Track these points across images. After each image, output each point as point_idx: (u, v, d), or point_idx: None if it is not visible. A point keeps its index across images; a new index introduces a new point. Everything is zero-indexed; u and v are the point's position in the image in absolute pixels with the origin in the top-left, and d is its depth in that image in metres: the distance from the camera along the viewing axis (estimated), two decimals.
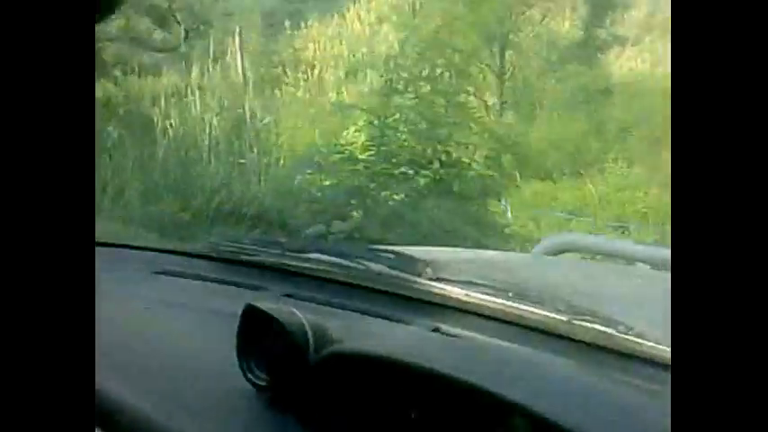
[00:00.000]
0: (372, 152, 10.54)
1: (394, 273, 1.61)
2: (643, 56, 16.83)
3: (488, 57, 15.88)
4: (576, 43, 16.74)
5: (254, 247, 1.94)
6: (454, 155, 11.32)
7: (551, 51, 16.42)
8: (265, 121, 15.43)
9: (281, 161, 11.70)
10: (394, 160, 10.76)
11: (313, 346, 1.07)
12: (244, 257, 1.89)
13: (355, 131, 14.08)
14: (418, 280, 1.56)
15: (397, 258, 1.68)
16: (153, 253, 2.11)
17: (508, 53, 16.02)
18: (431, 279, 1.55)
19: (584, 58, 15.88)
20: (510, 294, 1.40)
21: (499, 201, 11.88)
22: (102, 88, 15.33)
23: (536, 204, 12.57)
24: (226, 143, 11.92)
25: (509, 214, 11.78)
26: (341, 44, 18.53)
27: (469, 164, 11.65)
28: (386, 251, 1.76)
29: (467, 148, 11.88)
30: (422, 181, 10.70)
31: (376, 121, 14.04)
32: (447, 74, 16.58)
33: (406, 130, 11.16)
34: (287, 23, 19.06)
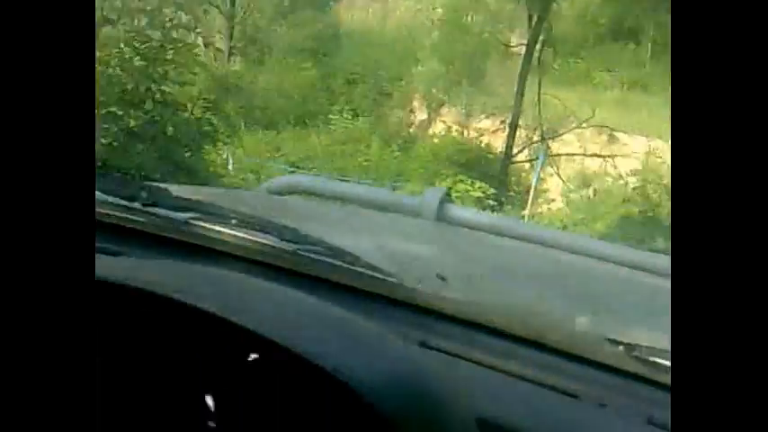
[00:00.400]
0: None
1: (105, 197, 1.43)
2: (374, 6, 16.80)
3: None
4: None
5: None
6: (170, 96, 10.76)
7: None
8: None
9: None
10: (102, 98, 9.89)
11: None
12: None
13: None
14: (132, 204, 1.42)
15: (107, 180, 1.53)
16: None
17: None
18: (145, 204, 1.42)
19: (318, 6, 15.56)
20: (239, 224, 1.35)
21: (215, 147, 11.28)
22: None
23: (259, 154, 12.19)
24: None
25: (230, 165, 11.36)
26: None
27: (186, 107, 11.08)
28: (100, 174, 1.47)
29: (183, 88, 11.30)
30: (132, 122, 10.05)
31: None
32: (168, 9, 15.82)
33: (116, 64, 10.40)
34: None
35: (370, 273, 1.21)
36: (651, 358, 1.04)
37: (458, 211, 1.73)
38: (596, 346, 1.07)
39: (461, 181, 11.13)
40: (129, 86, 10.24)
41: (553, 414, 0.99)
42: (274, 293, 1.01)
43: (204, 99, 12.79)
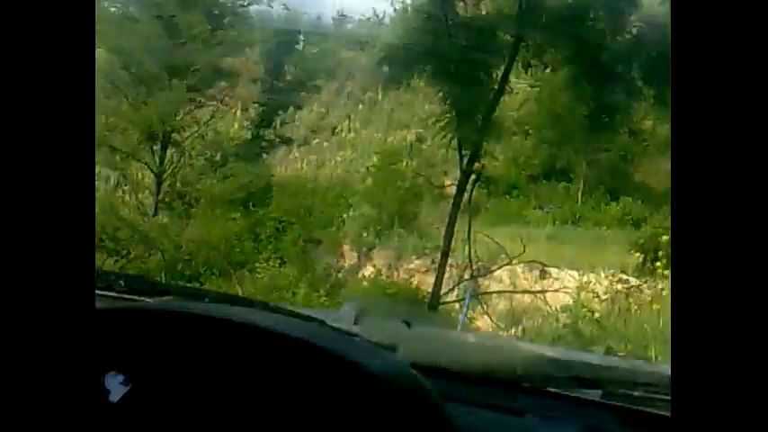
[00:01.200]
0: None
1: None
2: (309, 157, 16.69)
3: (147, 155, 15.04)
4: (242, 143, 16.30)
5: None
6: None
7: (216, 150, 15.83)
8: None
9: None
10: None
11: None
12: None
13: None
14: (109, 294, 1.50)
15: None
16: None
17: (170, 152, 15.23)
18: (122, 291, 1.53)
19: (250, 158, 15.40)
20: None
21: None
22: None
23: None
24: None
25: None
26: None
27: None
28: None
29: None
30: None
31: None
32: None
33: None
34: None
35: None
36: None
37: (370, 320, 1.77)
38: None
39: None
40: None
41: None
42: None
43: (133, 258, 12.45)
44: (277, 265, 12.91)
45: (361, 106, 17.67)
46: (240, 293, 12.03)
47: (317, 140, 17.23)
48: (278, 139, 16.88)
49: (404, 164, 14.90)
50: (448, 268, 12.32)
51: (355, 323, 1.71)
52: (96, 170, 15.82)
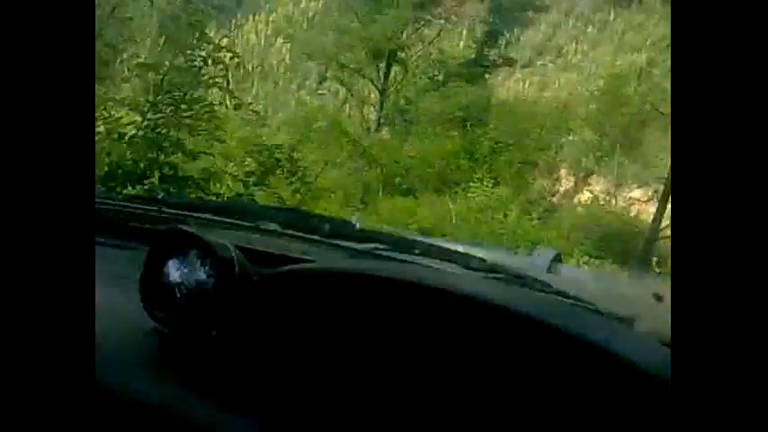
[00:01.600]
0: None
1: (287, 231, 1.57)
2: (532, 79, 16.19)
3: (373, 72, 15.23)
4: (465, 63, 16.04)
5: (128, 204, 1.83)
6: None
7: (439, 70, 15.72)
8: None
9: None
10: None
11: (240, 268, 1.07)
12: (112, 217, 1.73)
13: None
14: (312, 237, 1.52)
15: (290, 215, 1.70)
16: None
17: (394, 69, 15.34)
18: (326, 236, 1.52)
19: (471, 78, 15.17)
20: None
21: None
22: None
23: (393, 220, 11.74)
24: None
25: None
26: (232, 57, 17.68)
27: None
28: (278, 208, 1.93)
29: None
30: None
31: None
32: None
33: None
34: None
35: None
36: None
37: (567, 269, 1.79)
38: None
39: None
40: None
41: None
42: None
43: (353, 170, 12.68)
44: (490, 186, 12.72)
45: (590, 27, 16.81)
46: (452, 211, 12.05)
47: (541, 62, 16.68)
48: (501, 60, 16.48)
49: (631, 89, 14.12)
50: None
51: (548, 271, 1.67)
52: (327, 84, 16.21)
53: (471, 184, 12.81)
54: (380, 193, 12.53)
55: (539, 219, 11.94)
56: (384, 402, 0.98)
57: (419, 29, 16.14)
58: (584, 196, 12.93)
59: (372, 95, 15.51)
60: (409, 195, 12.74)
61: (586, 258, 10.23)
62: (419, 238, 1.83)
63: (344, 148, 13.56)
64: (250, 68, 17.42)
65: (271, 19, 18.32)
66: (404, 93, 15.57)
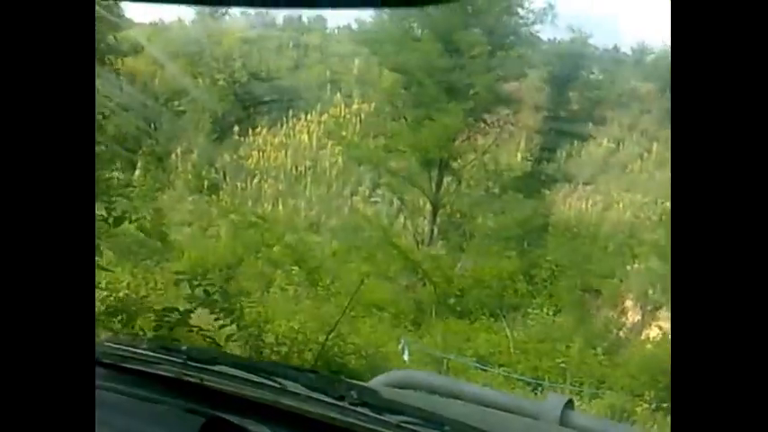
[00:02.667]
0: None
1: (312, 393, 1.51)
2: (594, 197, 15.42)
3: (425, 180, 14.59)
4: (521, 176, 15.36)
5: (153, 354, 1.77)
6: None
7: (494, 182, 15.05)
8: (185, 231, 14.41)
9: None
10: None
11: None
12: (138, 365, 1.71)
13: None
14: (339, 404, 1.49)
15: (315, 379, 1.66)
16: None
17: (446, 179, 14.70)
18: (353, 403, 1.49)
19: (529, 192, 14.48)
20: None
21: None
22: None
23: (446, 345, 10.94)
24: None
25: (406, 356, 10.22)
26: (285, 156, 17.35)
27: None
28: (305, 370, 1.77)
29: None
30: None
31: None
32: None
33: None
34: (236, 128, 18.01)
35: None
36: None
37: (581, 418, 1.70)
38: None
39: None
40: None
41: None
42: None
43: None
44: (551, 314, 11.96)
45: (656, 144, 16.10)
46: (510, 338, 11.20)
47: (603, 179, 15.92)
48: (560, 175, 15.77)
49: None
50: None
51: (561, 422, 1.64)
52: (380, 192, 15.68)
53: (530, 309, 12.02)
54: (433, 314, 11.74)
55: (604, 354, 11.02)
56: None
57: (471, 136, 15.50)
58: (653, 332, 12.01)
59: (426, 205, 14.82)
60: (464, 318, 11.93)
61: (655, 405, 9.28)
62: (461, 407, 1.81)
63: (395, 261, 12.89)
64: (302, 170, 16.97)
65: (322, 120, 17.95)
66: (457, 205, 14.87)
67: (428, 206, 14.90)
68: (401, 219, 15.25)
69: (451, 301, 12.31)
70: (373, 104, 17.19)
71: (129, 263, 10.66)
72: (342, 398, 1.47)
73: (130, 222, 7.01)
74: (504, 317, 11.93)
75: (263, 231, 13.40)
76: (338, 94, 18.90)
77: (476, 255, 13.36)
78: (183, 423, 1.46)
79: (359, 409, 1.45)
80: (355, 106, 18.19)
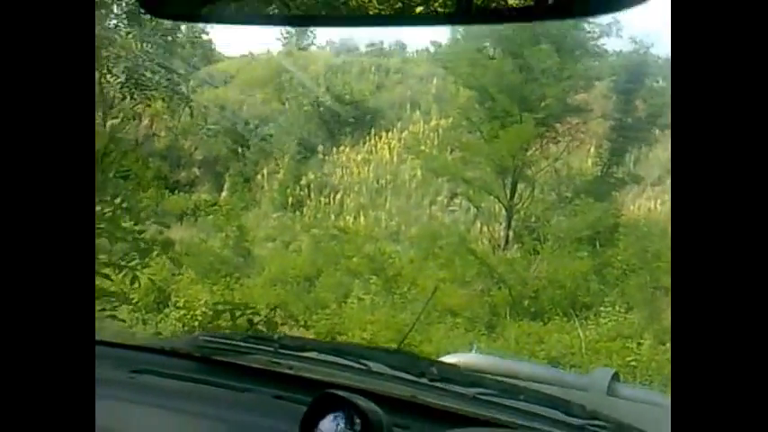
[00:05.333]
0: None
1: (395, 372, 1.51)
2: (662, 197, 14.76)
3: (499, 188, 14.21)
4: (592, 180, 14.82)
5: (245, 344, 1.80)
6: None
7: (566, 186, 14.56)
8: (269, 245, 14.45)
9: None
10: None
11: None
12: (230, 357, 1.73)
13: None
14: (420, 380, 1.47)
15: (398, 357, 1.65)
16: (132, 351, 1.85)
17: (520, 186, 14.27)
18: (433, 379, 1.46)
19: (600, 195, 13.92)
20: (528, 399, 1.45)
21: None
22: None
23: (519, 348, 10.52)
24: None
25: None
26: (368, 171, 17.23)
27: None
28: (386, 350, 1.80)
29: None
30: None
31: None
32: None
33: None
34: (320, 148, 18.00)
35: None
36: None
37: (627, 389, 1.68)
38: None
39: None
40: None
41: None
42: None
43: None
44: (623, 311, 11.37)
45: None
46: (582, 338, 10.69)
47: (670, 180, 15.23)
48: (628, 177, 15.15)
49: None
50: None
51: (608, 392, 1.60)
52: (457, 201, 15.51)
53: (602, 308, 11.47)
54: (507, 317, 11.31)
55: None
56: None
57: (544, 145, 15.10)
58: None
59: (501, 211, 14.44)
60: (537, 319, 11.46)
61: None
62: (519, 383, 1.73)
63: (471, 266, 12.52)
64: (383, 183, 16.85)
65: (403, 136, 17.81)
66: (531, 210, 14.44)
67: (503, 212, 14.54)
68: (477, 225, 14.95)
69: (526, 302, 11.87)
70: (450, 120, 17.04)
71: (209, 280, 10.63)
72: (422, 374, 1.48)
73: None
74: (577, 316, 11.42)
75: (343, 243, 13.28)
76: (417, 112, 18.85)
77: (549, 257, 12.88)
78: (274, 410, 1.44)
79: (438, 384, 1.45)
80: (433, 122, 18.09)
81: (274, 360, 1.68)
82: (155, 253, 11.80)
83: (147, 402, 1.47)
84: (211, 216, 15.06)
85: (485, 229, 14.79)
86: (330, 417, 1.18)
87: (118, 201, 5.03)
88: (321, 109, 18.84)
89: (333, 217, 16.08)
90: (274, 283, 11.71)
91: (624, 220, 13.84)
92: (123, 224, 5.22)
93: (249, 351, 1.76)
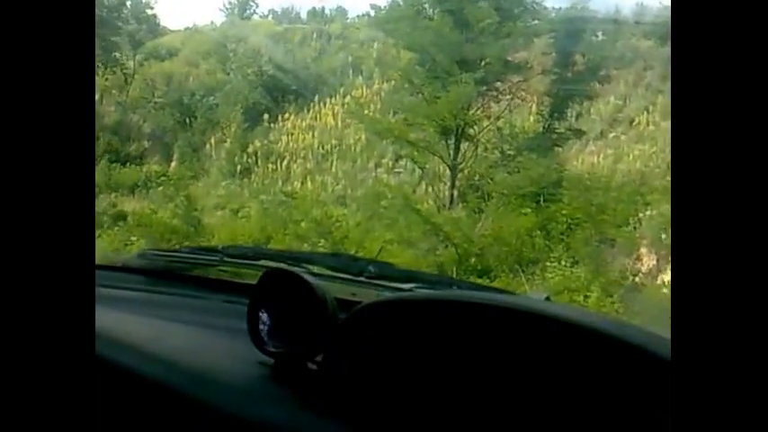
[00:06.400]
0: None
1: (335, 273, 1.53)
2: (605, 151, 14.48)
3: (443, 149, 13.79)
4: (535, 136, 14.46)
5: (192, 256, 1.82)
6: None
7: (509, 144, 14.19)
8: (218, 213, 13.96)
9: None
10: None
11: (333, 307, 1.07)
12: (178, 269, 1.78)
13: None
14: (359, 279, 1.50)
15: (337, 259, 1.68)
16: None
17: (463, 145, 13.87)
18: (371, 277, 1.49)
19: (542, 151, 13.57)
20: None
21: None
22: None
23: None
24: None
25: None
26: (312, 137, 16.70)
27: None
28: (325, 254, 1.46)
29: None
30: None
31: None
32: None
33: None
34: (265, 116, 17.42)
35: None
36: None
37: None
38: None
39: None
40: None
41: None
42: None
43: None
44: (569, 265, 11.06)
45: (660, 97, 15.06)
46: (528, 292, 10.36)
47: (613, 134, 15.01)
48: (570, 132, 14.82)
49: None
50: None
51: None
52: (402, 163, 15.11)
53: (548, 263, 11.14)
54: (455, 275, 10.94)
55: (621, 301, 10.13)
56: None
57: (485, 104, 14.70)
58: (668, 276, 11.06)
59: (446, 171, 14.04)
60: (484, 276, 11.09)
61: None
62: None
63: (417, 226, 12.11)
64: (329, 148, 16.38)
65: (346, 101, 17.30)
66: (475, 168, 14.05)
67: (447, 172, 14.12)
68: (423, 186, 14.55)
69: (472, 260, 11.47)
70: (392, 83, 16.59)
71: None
72: (360, 273, 1.50)
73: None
74: (523, 272, 11.07)
75: (291, 209, 12.80)
76: (360, 77, 18.38)
77: (494, 214, 12.50)
78: (226, 311, 1.43)
79: (376, 281, 1.47)
80: (375, 86, 17.65)
81: (222, 269, 1.71)
82: (105, 225, 11.22)
83: (100, 309, 1.39)
84: (162, 187, 14.55)
85: (430, 189, 14.40)
86: (276, 298, 1.14)
87: None
88: (265, 78, 18.24)
89: (280, 183, 15.60)
90: None
91: (567, 175, 13.48)
92: None
93: (196, 262, 1.77)
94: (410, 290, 1.41)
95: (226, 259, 1.72)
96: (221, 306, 1.50)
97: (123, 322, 1.41)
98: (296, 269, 1.47)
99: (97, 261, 2.11)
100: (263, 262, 1.66)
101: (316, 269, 1.56)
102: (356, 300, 1.31)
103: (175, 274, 1.78)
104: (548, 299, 1.61)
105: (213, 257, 1.74)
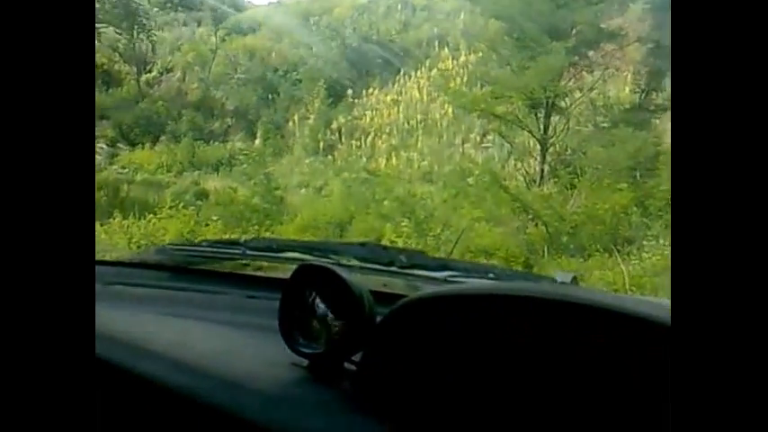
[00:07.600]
0: None
1: (364, 264, 1.51)
2: None
3: (533, 122, 13.19)
4: (630, 108, 13.68)
5: (212, 250, 1.79)
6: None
7: (602, 117, 13.46)
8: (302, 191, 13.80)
9: None
10: None
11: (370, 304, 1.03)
12: (198, 263, 1.74)
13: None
14: (390, 269, 1.47)
15: (367, 249, 1.58)
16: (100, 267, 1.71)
17: (554, 118, 13.24)
18: (403, 267, 1.46)
19: (639, 124, 12.81)
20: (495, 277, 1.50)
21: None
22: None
23: None
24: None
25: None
26: (398, 112, 16.33)
27: None
28: (353, 243, 1.66)
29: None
30: None
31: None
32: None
33: None
34: (349, 92, 17.15)
35: None
36: None
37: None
38: None
39: None
40: None
41: None
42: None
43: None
44: (668, 244, 10.29)
45: None
46: (625, 273, 9.77)
47: None
48: (668, 103, 13.96)
49: None
50: None
51: None
52: (491, 138, 14.66)
53: (645, 242, 10.47)
54: (545, 255, 10.42)
55: None
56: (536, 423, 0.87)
57: (577, 75, 13.97)
58: None
59: (536, 146, 13.46)
60: (577, 256, 10.53)
61: None
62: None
63: (505, 203, 11.60)
64: (414, 124, 16.02)
65: (431, 74, 16.84)
66: (567, 143, 13.41)
67: (537, 147, 13.54)
68: (511, 162, 14.02)
69: (564, 239, 10.90)
70: (480, 54, 16.03)
71: (239, 229, 9.96)
72: (391, 263, 1.48)
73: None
74: (619, 251, 10.45)
75: (374, 186, 12.47)
76: (446, 49, 17.89)
77: (587, 190, 11.87)
78: (248, 307, 1.40)
79: (408, 271, 1.46)
80: (462, 58, 17.13)
81: (244, 263, 1.68)
82: (182, 205, 11.15)
83: (119, 308, 1.39)
84: (244, 165, 14.44)
85: (518, 164, 13.86)
86: (312, 294, 1.08)
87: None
88: (348, 52, 17.94)
89: (364, 160, 15.32)
90: (306, 229, 10.97)
91: (665, 149, 12.68)
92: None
93: (217, 256, 1.74)
94: (444, 279, 1.39)
95: (248, 252, 1.69)
96: (244, 302, 1.48)
97: (142, 324, 1.35)
98: (324, 261, 1.40)
99: (113, 258, 1.97)
100: (287, 254, 1.64)
101: (344, 260, 1.54)
102: (388, 291, 1.27)
103: (196, 269, 1.73)
104: (574, 279, 1.54)
105: (235, 251, 1.71)
